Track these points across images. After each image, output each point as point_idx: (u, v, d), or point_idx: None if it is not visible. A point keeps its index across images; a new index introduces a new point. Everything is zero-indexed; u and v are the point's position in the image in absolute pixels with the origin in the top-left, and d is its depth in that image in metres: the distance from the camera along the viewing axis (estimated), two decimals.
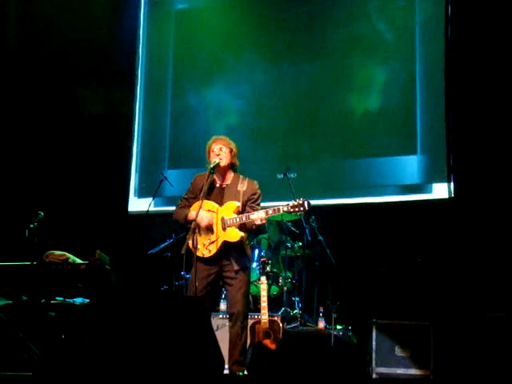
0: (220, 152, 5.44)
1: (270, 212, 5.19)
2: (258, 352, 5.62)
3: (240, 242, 5.31)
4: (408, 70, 7.79)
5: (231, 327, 5.30)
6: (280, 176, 7.28)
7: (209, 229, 5.30)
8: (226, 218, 5.27)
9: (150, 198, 7.39)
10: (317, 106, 8.14)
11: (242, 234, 5.28)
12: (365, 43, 8.04)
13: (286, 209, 5.17)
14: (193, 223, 5.20)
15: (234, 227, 5.26)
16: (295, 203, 5.15)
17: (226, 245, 5.28)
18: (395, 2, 8.04)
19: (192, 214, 5.31)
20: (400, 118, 7.78)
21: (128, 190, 8.73)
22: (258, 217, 5.17)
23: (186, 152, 8.56)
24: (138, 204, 8.60)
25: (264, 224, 5.39)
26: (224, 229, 5.26)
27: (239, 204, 5.34)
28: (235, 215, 5.28)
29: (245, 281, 5.33)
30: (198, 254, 5.25)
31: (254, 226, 5.29)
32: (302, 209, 5.15)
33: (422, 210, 7.46)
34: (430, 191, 7.51)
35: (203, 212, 5.26)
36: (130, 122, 8.88)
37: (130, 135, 8.85)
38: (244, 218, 5.23)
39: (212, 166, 5.36)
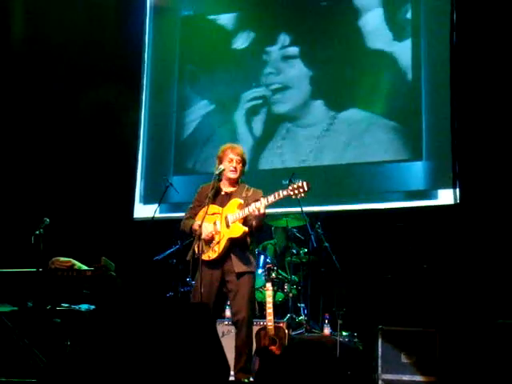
0: (237, 165, 5.46)
1: (271, 198, 5.16)
2: (264, 358, 5.60)
3: (244, 240, 5.31)
4: (413, 76, 7.79)
5: (237, 334, 5.29)
6: (285, 182, 7.27)
7: (208, 241, 5.30)
8: (229, 215, 5.29)
9: (156, 205, 7.39)
10: (322, 111, 8.14)
11: (246, 228, 5.27)
12: (370, 49, 8.05)
13: (285, 193, 5.12)
14: (198, 230, 5.23)
15: (237, 222, 5.27)
16: (295, 186, 5.09)
17: (231, 242, 5.28)
18: (400, 8, 8.03)
19: (195, 224, 5.34)
20: (405, 124, 7.78)
21: (133, 196, 8.74)
22: (257, 206, 5.12)
23: (192, 158, 8.59)
24: (143, 210, 8.61)
25: (263, 218, 5.30)
26: (228, 226, 5.29)
27: (242, 201, 5.34)
28: (238, 210, 5.30)
29: (249, 286, 5.31)
30: (204, 257, 5.25)
31: (253, 221, 5.24)
32: (301, 191, 5.07)
33: (428, 216, 7.45)
34: (435, 197, 7.50)
35: (205, 225, 5.27)
36: (135, 129, 8.90)
37: (135, 141, 8.87)
38: (246, 211, 5.23)
39: (217, 172, 5.39)
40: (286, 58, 8.43)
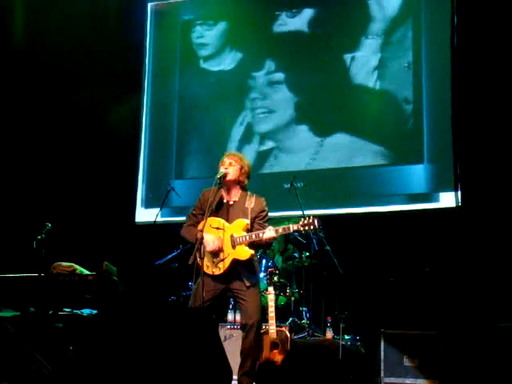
0: (229, 166, 5.37)
1: (280, 231, 5.13)
2: (266, 367, 5.60)
3: (249, 260, 5.27)
4: (414, 79, 7.80)
5: (244, 338, 5.23)
6: (287, 186, 7.27)
7: (213, 252, 5.25)
8: (235, 235, 5.22)
9: (157, 209, 7.40)
10: (323, 116, 8.16)
11: (252, 251, 5.22)
12: (373, 53, 8.06)
13: (296, 227, 5.10)
14: (199, 239, 5.15)
15: (243, 245, 5.21)
16: (305, 222, 5.08)
17: (236, 262, 5.23)
18: (401, 11, 8.05)
19: (199, 234, 5.22)
20: (406, 127, 7.79)
21: (135, 200, 8.74)
22: (268, 236, 5.12)
23: (193, 162, 8.59)
24: (145, 215, 8.60)
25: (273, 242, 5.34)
26: (234, 247, 5.21)
27: (248, 221, 5.27)
28: (245, 233, 5.23)
29: (258, 293, 5.32)
30: (208, 271, 5.21)
31: (263, 243, 5.22)
32: (312, 227, 5.08)
33: (430, 218, 7.45)
34: (437, 200, 7.50)
35: (209, 237, 5.22)
36: (136, 133, 8.90)
37: (136, 145, 8.88)
38: (254, 237, 5.17)
39: (218, 176, 5.32)
40: (272, 83, 8.47)
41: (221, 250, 5.23)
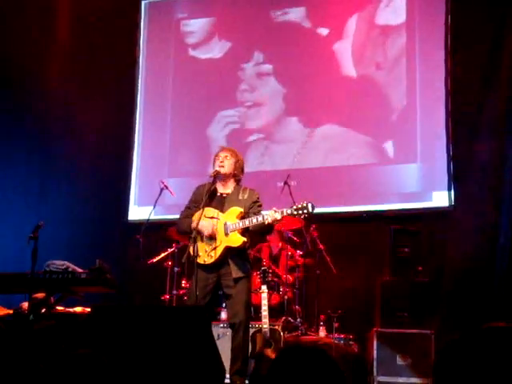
0: (224, 160, 5.45)
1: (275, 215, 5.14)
2: (260, 362, 5.60)
3: (242, 248, 5.28)
4: (408, 79, 7.81)
5: (233, 337, 5.26)
6: (280, 184, 7.26)
7: (211, 236, 5.27)
8: (228, 222, 5.25)
9: (151, 207, 7.37)
10: (316, 112, 8.15)
11: (245, 238, 5.25)
12: (366, 51, 8.07)
13: (289, 212, 5.12)
14: (193, 232, 5.19)
15: (236, 232, 5.24)
16: (299, 206, 5.09)
17: (228, 250, 5.25)
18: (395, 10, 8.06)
19: (194, 223, 5.28)
20: (400, 127, 7.79)
21: (128, 198, 8.72)
22: (273, 218, 5.08)
23: (187, 161, 8.58)
24: (138, 212, 8.58)
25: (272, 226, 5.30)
26: (226, 234, 5.24)
27: (242, 210, 5.32)
28: (238, 220, 5.26)
29: (246, 289, 5.29)
30: (200, 260, 5.22)
31: (266, 225, 5.16)
32: (305, 211, 5.07)
33: (423, 217, 7.46)
34: (429, 199, 7.52)
35: (204, 220, 5.24)
36: (130, 130, 8.88)
37: (130, 143, 8.85)
38: (247, 222, 5.20)
39: (211, 174, 5.39)
40: (260, 75, 8.45)
41: (214, 237, 5.23)
